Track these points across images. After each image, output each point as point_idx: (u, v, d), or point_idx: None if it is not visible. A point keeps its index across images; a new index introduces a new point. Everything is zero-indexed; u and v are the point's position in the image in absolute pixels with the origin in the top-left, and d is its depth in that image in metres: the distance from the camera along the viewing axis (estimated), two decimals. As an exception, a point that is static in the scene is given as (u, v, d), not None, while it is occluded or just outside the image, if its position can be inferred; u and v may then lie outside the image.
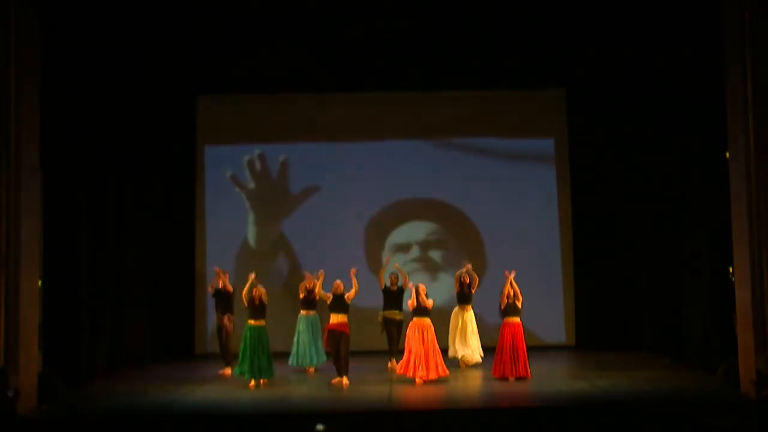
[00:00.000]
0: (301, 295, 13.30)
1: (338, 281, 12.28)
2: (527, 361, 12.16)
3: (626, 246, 15.36)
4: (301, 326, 13.25)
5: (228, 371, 13.10)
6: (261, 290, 12.10)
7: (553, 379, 12.47)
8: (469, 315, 13.46)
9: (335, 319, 12.07)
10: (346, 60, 15.01)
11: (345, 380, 12.02)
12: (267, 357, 12.02)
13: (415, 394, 11.45)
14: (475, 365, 13.32)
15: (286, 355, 13.30)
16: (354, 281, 12.23)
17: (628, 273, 15.33)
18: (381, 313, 13.34)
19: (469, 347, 13.31)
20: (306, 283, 13.24)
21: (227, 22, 13.39)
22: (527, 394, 11.32)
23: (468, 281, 13.44)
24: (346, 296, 12.12)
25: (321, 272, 12.57)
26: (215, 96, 16.12)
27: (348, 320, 12.15)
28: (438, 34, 14.15)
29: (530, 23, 13.78)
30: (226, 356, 13.31)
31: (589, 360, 14.14)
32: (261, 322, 12.07)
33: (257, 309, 12.06)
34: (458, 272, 13.61)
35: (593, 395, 10.98)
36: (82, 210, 12.43)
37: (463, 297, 13.50)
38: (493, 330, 13.90)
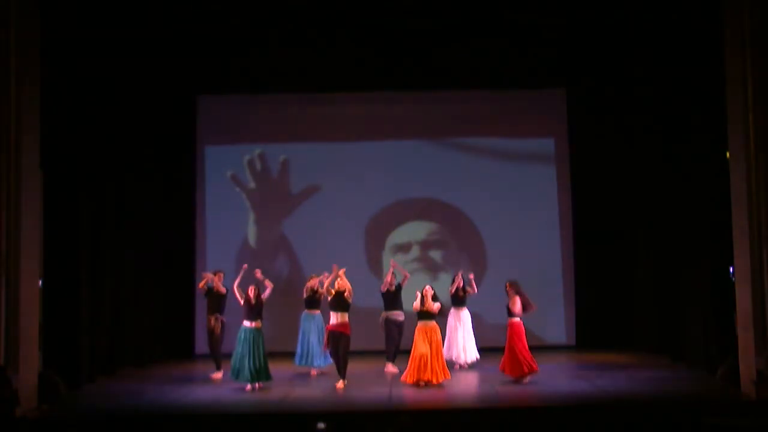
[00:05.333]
0: (305, 295, 13.20)
1: (338, 274, 12.08)
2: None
3: (626, 246, 15.36)
4: (306, 325, 13.10)
5: (219, 375, 12.81)
6: (256, 290, 11.80)
7: (553, 379, 12.46)
8: (465, 315, 13.47)
9: (336, 318, 11.86)
10: (346, 60, 15.01)
11: (341, 383, 11.90)
12: (264, 360, 11.71)
13: (415, 394, 11.44)
14: (472, 365, 13.32)
15: (288, 355, 13.27)
16: (343, 279, 11.98)
17: (628, 273, 15.32)
18: (383, 313, 13.29)
19: (465, 349, 13.31)
20: (310, 283, 13.17)
21: (227, 22, 13.39)
22: (527, 394, 11.32)
23: (462, 285, 13.46)
24: (345, 294, 11.85)
25: (313, 277, 13.10)
26: (215, 96, 16.11)
27: (349, 320, 12.04)
28: (438, 34, 14.15)
29: (531, 23, 13.77)
30: (217, 359, 13.00)
31: (589, 360, 14.14)
32: (257, 324, 11.78)
33: (253, 310, 11.75)
34: (455, 275, 13.64)
35: (593, 395, 10.98)
36: (82, 210, 12.43)
37: (458, 299, 13.51)
38: (492, 330, 13.93)
